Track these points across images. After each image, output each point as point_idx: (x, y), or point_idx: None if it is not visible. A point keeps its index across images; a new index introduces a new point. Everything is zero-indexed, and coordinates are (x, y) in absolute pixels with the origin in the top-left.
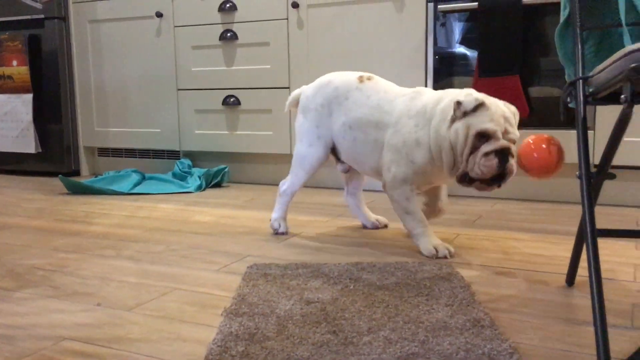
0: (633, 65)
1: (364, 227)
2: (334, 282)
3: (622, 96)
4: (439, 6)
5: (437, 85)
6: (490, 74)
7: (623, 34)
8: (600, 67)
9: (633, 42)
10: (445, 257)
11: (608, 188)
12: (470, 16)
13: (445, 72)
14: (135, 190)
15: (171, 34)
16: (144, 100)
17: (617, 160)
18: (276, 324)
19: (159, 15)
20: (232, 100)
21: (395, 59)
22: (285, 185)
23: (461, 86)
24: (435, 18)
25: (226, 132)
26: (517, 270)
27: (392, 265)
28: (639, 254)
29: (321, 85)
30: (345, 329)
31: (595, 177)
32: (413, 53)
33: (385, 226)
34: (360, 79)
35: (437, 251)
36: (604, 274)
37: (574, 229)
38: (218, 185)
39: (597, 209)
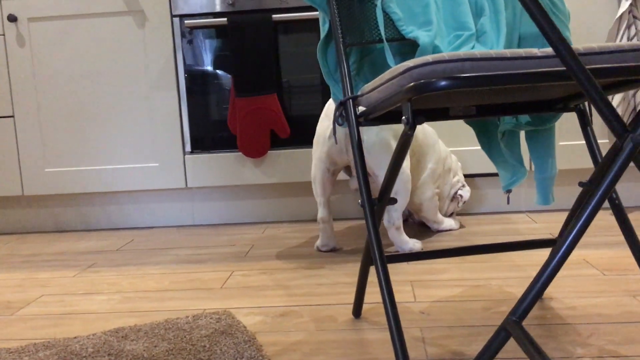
0: (411, 84)
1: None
2: None
3: (404, 117)
4: (185, 21)
5: (191, 106)
6: (246, 94)
7: (385, 50)
8: (370, 86)
9: (397, 59)
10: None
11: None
12: (221, 32)
13: (199, 92)
14: None
15: None
16: None
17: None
18: None
19: None
20: None
21: (142, 79)
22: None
23: (219, 107)
24: (182, 34)
25: None
26: (301, 307)
27: (161, 325)
28: (412, 268)
29: None
30: None
31: (378, 204)
32: (161, 72)
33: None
34: None
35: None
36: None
37: (350, 248)
38: None
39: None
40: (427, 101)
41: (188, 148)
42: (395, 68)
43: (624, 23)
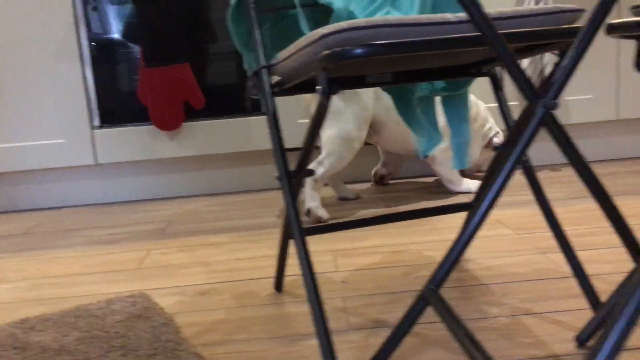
0: (326, 52)
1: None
2: None
3: (318, 87)
4: None
5: (98, 77)
6: (157, 64)
7: (298, 16)
8: (285, 53)
9: (310, 25)
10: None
11: None
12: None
13: (107, 61)
14: None
15: None
16: None
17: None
18: None
19: None
20: None
21: (43, 49)
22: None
23: (129, 77)
24: (85, 1)
25: None
26: (221, 284)
27: (71, 313)
28: (333, 237)
29: None
30: None
31: (295, 176)
32: (63, 41)
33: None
34: None
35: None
36: None
37: (272, 220)
38: None
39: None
40: (342, 69)
41: (97, 122)
42: (311, 35)
43: None
